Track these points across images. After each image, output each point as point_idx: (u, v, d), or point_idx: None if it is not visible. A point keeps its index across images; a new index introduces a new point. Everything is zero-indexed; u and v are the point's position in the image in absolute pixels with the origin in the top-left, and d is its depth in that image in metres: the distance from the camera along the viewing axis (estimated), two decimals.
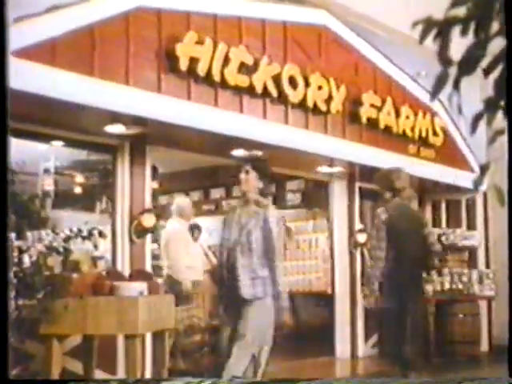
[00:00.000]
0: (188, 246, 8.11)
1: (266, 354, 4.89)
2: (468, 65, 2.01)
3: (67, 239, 6.28)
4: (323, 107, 7.94)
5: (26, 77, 5.08)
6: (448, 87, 2.11)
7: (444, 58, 2.04)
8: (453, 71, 2.07)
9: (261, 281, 4.91)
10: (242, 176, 5.11)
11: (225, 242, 5.09)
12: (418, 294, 6.31)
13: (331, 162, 8.81)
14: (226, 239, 5.09)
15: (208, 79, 6.68)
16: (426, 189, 10.99)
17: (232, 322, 4.95)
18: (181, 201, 8.72)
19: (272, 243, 4.94)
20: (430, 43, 2.18)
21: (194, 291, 7.87)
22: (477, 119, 2.06)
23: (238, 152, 7.93)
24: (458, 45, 2.18)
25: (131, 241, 7.13)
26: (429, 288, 9.78)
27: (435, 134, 9.77)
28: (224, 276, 5.03)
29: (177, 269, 7.88)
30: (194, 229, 10.66)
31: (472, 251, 11.16)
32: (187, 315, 7.64)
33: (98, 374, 6.35)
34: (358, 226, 9.88)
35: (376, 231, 6.15)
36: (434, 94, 2.06)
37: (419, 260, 6.17)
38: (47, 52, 5.35)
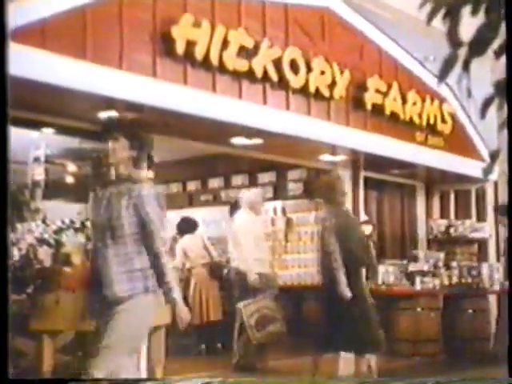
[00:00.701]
0: (258, 238, 8.21)
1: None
2: (478, 46, 2.01)
3: (59, 231, 6.28)
4: (326, 93, 7.93)
5: (14, 60, 5.06)
6: (457, 70, 2.11)
7: (453, 39, 2.04)
8: (462, 53, 2.07)
9: (139, 273, 4.22)
10: (110, 145, 4.30)
11: (94, 227, 4.36)
12: (362, 289, 7.02)
13: (334, 150, 8.81)
14: (94, 224, 4.34)
15: (206, 63, 6.66)
16: (433, 179, 11.00)
17: (102, 325, 4.22)
18: (251, 193, 8.76)
19: (148, 226, 4.18)
20: (438, 25, 2.17)
21: (261, 284, 8.00)
22: (487, 103, 2.06)
23: (238, 140, 7.93)
24: (468, 25, 2.18)
25: None
26: (436, 282, 9.80)
27: (444, 120, 9.76)
28: (95, 269, 4.30)
29: (244, 261, 7.99)
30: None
31: (482, 244, 11.17)
32: (256, 308, 7.81)
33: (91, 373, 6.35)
34: (362, 217, 9.88)
35: (328, 235, 6.86)
36: (442, 76, 2.05)
37: (361, 258, 7.07)
38: (37, 34, 5.34)
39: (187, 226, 10.03)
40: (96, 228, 4.31)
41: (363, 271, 7.36)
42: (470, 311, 9.66)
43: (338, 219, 6.86)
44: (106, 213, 4.23)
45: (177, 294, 4.29)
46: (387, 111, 8.81)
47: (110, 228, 4.20)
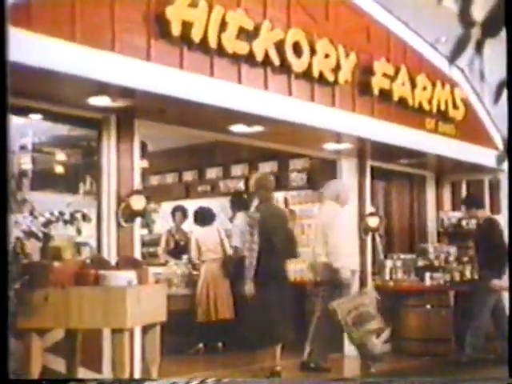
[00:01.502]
0: (346, 232, 8.25)
1: None
2: (492, 26, 1.99)
3: (47, 223, 6.27)
4: (330, 77, 7.92)
5: None
6: (469, 52, 2.09)
7: (465, 19, 2.02)
8: (475, 33, 2.05)
9: None
10: None
11: None
12: (286, 280, 7.91)
13: (339, 138, 8.80)
14: None
15: (203, 46, 6.65)
16: (444, 168, 11.00)
17: None
18: (336, 183, 8.78)
19: None
20: (450, 4, 2.16)
21: (352, 280, 8.06)
22: (501, 87, 2.05)
23: (237, 127, 7.92)
24: (481, 5, 2.16)
25: (118, 225, 7.13)
26: (447, 278, 9.80)
27: (455, 106, 9.75)
28: None
29: (335, 256, 8.02)
30: (177, 212, 10.67)
31: None
32: (353, 306, 7.87)
33: (82, 373, 6.37)
34: (368, 209, 9.88)
35: (250, 228, 7.67)
36: (454, 58, 2.04)
37: (286, 252, 7.87)
38: (22, 14, 5.32)
39: (203, 217, 10.02)
40: None
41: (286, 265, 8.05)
42: None
43: (263, 214, 7.73)
44: None
45: None
46: (395, 96, 8.80)
47: None
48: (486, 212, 9.36)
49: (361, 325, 7.95)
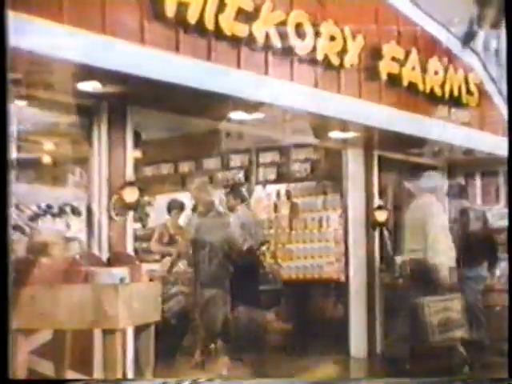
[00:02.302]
0: (445, 228, 8.24)
1: None
2: (508, 5, 1.98)
3: (34, 217, 6.28)
4: (336, 61, 7.91)
5: None
6: (484, 33, 2.08)
7: None
8: (490, 13, 2.04)
9: None
10: None
11: None
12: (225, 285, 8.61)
13: (345, 126, 8.80)
14: None
15: (200, 28, 6.65)
16: (457, 158, 10.97)
17: None
18: (432, 175, 8.80)
19: None
20: None
21: (449, 279, 8.04)
22: None
23: (236, 115, 7.91)
24: None
25: (110, 219, 7.13)
26: None
27: (469, 92, 9.72)
28: None
29: (433, 252, 7.99)
30: (173, 205, 10.65)
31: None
32: (443, 307, 7.83)
33: (72, 376, 6.37)
34: (376, 202, 9.88)
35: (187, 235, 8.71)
36: (467, 40, 2.03)
37: (226, 257, 8.59)
38: None
39: None
40: None
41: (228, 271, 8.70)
42: (498, 308, 9.67)
43: (202, 221, 8.58)
44: None
45: None
46: (405, 82, 8.79)
47: None
48: (467, 203, 9.39)
49: (446, 329, 7.87)
